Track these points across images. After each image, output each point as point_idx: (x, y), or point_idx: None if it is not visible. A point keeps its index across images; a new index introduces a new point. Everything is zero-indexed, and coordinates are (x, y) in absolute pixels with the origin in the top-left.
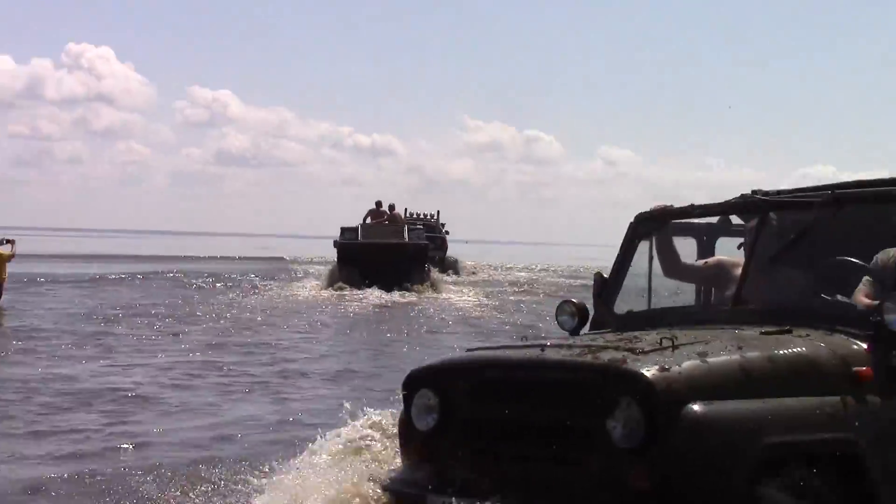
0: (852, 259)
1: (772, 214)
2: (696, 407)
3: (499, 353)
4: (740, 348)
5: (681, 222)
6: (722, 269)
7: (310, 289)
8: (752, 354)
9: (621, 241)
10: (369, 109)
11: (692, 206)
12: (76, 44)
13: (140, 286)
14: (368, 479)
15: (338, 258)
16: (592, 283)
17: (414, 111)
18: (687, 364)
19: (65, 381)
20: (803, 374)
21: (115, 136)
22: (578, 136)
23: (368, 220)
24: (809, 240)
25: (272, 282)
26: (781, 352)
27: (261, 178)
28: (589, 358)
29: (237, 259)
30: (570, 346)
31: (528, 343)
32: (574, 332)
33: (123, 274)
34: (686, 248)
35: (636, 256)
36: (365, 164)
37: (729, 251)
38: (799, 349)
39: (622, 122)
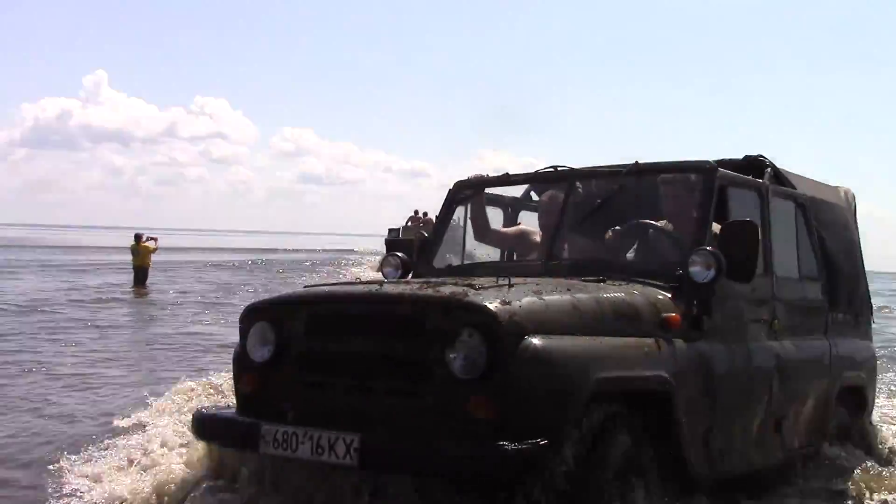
0: (649, 221)
1: (577, 184)
2: (536, 340)
3: (336, 288)
4: (569, 290)
5: (490, 195)
6: (524, 236)
7: (366, 270)
8: (582, 296)
9: (441, 205)
10: (411, 142)
11: (507, 174)
12: (202, 96)
13: (245, 270)
14: None
15: (386, 249)
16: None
17: (444, 144)
18: (526, 299)
19: (192, 335)
20: (625, 317)
21: (227, 163)
22: (560, 162)
23: (409, 224)
24: (613, 204)
25: (340, 266)
26: (605, 295)
27: (331, 193)
28: (430, 291)
29: (315, 251)
30: (408, 283)
31: (365, 281)
32: None
33: (233, 261)
34: (496, 218)
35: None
36: (406, 183)
37: (529, 223)
38: (618, 294)
39: (594, 150)
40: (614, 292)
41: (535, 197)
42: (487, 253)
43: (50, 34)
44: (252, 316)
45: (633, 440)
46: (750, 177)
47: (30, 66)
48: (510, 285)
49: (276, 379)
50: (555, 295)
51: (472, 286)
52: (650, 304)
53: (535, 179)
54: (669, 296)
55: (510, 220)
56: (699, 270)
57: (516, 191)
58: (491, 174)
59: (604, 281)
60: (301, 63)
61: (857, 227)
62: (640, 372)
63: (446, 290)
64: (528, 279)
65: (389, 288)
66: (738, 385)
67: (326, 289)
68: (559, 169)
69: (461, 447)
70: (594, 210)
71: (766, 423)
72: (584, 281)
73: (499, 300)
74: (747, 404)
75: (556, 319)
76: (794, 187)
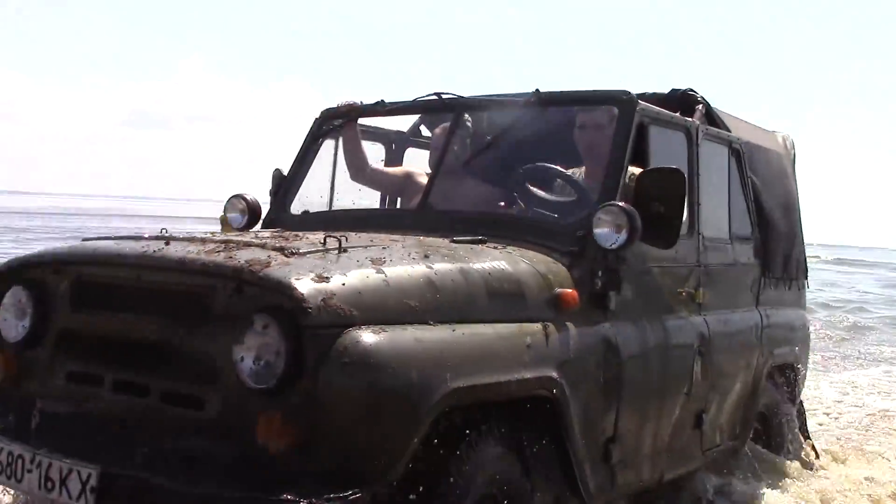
0: (553, 166)
1: (466, 116)
2: (363, 334)
3: (109, 244)
4: (427, 257)
5: (371, 127)
6: (410, 179)
7: None
8: (442, 266)
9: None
10: None
11: (381, 102)
12: (285, 80)
13: None
14: None
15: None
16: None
17: None
18: (356, 273)
19: None
20: (502, 295)
21: None
22: None
23: None
24: (508, 143)
25: None
26: (478, 266)
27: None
28: (220, 257)
29: None
30: (203, 241)
31: (159, 235)
32: (242, 231)
33: None
34: (376, 155)
35: (321, 156)
36: None
37: (418, 163)
38: (496, 263)
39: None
40: (491, 260)
41: (425, 132)
42: (355, 199)
43: (150, 21)
44: (7, 277)
45: (511, 460)
46: (678, 114)
47: (132, 53)
48: (341, 249)
49: (34, 364)
50: (403, 265)
51: (283, 250)
52: (539, 275)
53: (415, 109)
54: (567, 264)
55: (395, 158)
56: (606, 232)
57: (405, 124)
58: None
59: (483, 242)
60: (376, 48)
61: (795, 178)
62: (517, 373)
63: (244, 255)
64: (375, 240)
65: (173, 249)
66: (652, 378)
67: (95, 245)
68: (444, 97)
69: (236, 495)
70: (481, 150)
71: (684, 420)
72: (454, 242)
73: (313, 274)
74: (662, 401)
75: (399, 302)
76: (728, 130)
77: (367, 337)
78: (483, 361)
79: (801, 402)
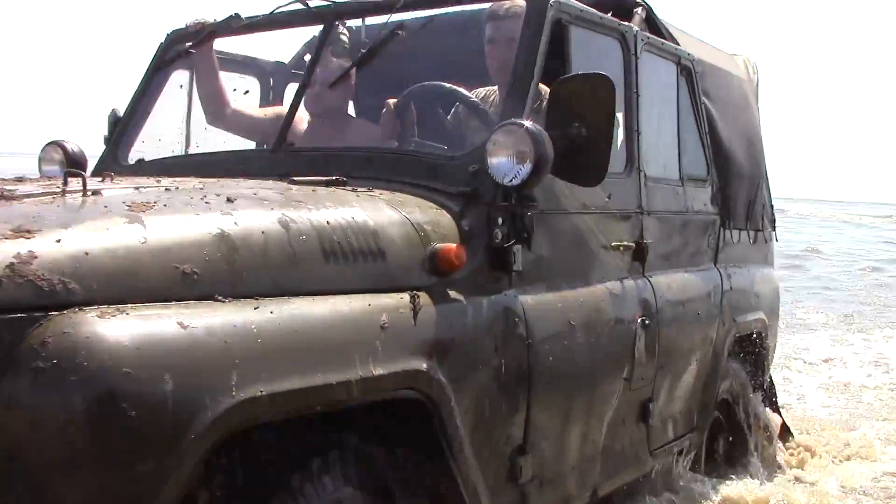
0: (447, 84)
1: (341, 28)
2: (82, 319)
3: None
4: (230, 201)
5: (235, 57)
6: (281, 119)
7: None
8: (249, 215)
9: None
10: None
11: (235, 16)
12: None
13: None
14: None
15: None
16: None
17: None
18: (91, 225)
19: None
20: (348, 255)
21: None
22: None
23: None
24: (393, 59)
25: None
26: (311, 214)
27: None
28: None
29: None
30: None
31: None
32: None
33: None
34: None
35: (171, 90)
36: None
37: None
38: (344, 211)
39: None
40: (337, 207)
41: None
42: (221, 142)
43: None
44: None
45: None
46: (609, 15)
47: None
48: (87, 192)
49: None
50: (181, 214)
51: None
52: (411, 227)
53: (277, 23)
54: (456, 211)
55: (273, 97)
56: (503, 163)
57: (286, 53)
58: None
59: (344, 183)
60: None
61: (759, 109)
62: (361, 369)
63: None
64: (164, 182)
65: None
66: (577, 361)
67: None
68: (311, 4)
69: None
70: (351, 68)
71: (624, 414)
72: (294, 183)
73: (9, 227)
74: (592, 391)
75: (164, 268)
76: (675, 43)
77: (89, 324)
78: (303, 354)
79: (770, 377)
